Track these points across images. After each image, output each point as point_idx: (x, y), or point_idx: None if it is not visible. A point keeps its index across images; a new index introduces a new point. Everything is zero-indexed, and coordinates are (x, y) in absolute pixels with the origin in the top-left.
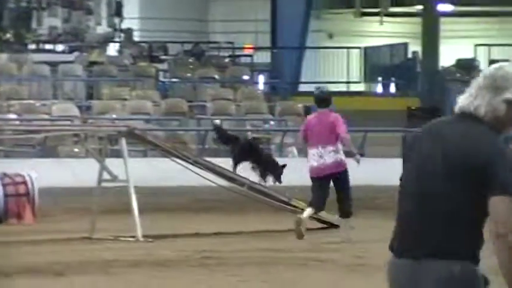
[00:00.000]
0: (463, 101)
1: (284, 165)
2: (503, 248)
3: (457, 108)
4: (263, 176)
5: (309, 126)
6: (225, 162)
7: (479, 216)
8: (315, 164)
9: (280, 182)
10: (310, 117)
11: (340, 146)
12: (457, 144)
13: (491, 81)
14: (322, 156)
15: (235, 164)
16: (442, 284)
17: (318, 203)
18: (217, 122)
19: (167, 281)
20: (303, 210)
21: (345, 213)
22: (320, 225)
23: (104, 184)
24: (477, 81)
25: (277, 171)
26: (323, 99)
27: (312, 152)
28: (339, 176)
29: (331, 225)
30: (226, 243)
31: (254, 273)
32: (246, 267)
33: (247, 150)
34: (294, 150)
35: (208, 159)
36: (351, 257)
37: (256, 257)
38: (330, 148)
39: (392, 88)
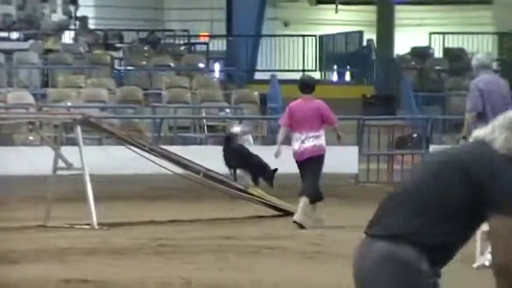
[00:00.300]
0: (478, 133)
1: (275, 169)
2: (504, 284)
3: (471, 139)
4: (255, 180)
5: (293, 112)
6: (180, 150)
7: (461, 224)
8: (296, 148)
9: (271, 186)
10: (293, 103)
11: (323, 132)
12: (464, 154)
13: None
14: (303, 141)
15: (233, 169)
16: (376, 262)
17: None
18: (237, 130)
19: (122, 268)
20: (259, 198)
21: (316, 196)
22: (275, 212)
23: (59, 172)
24: (497, 120)
25: (268, 174)
26: (308, 85)
27: (295, 136)
28: (317, 158)
29: (287, 213)
30: (182, 231)
31: (210, 261)
32: (202, 255)
33: (237, 155)
34: (250, 138)
35: (163, 147)
36: (307, 244)
37: (211, 245)
38: (313, 133)
39: (348, 76)
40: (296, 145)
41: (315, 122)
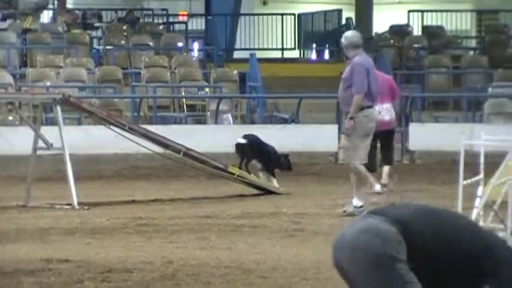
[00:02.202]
0: None
1: (287, 155)
2: None
3: None
4: (270, 171)
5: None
6: (160, 129)
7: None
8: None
9: (291, 169)
10: None
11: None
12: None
13: None
14: (380, 112)
15: (247, 161)
16: (361, 229)
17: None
18: (243, 141)
19: (103, 248)
20: (239, 177)
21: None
22: (256, 191)
23: (39, 152)
24: None
25: (281, 162)
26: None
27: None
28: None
29: (267, 192)
30: (162, 210)
31: (190, 240)
32: (183, 234)
33: (255, 146)
34: (230, 117)
35: (143, 126)
36: (288, 222)
37: (192, 224)
38: (386, 105)
39: (326, 54)
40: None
41: (388, 95)
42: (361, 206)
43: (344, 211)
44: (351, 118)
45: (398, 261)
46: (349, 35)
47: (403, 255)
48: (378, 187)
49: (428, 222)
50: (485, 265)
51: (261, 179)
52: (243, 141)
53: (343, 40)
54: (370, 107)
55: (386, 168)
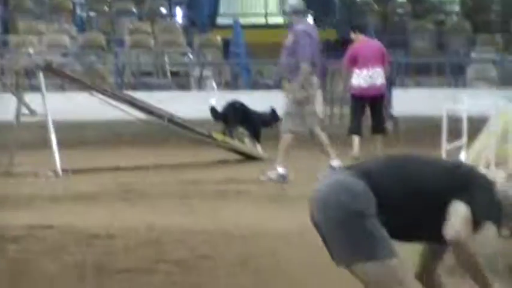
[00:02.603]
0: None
1: (273, 110)
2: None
3: None
4: (256, 136)
5: (357, 52)
6: (143, 96)
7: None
8: (363, 83)
9: (277, 120)
10: (355, 45)
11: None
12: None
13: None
14: (371, 76)
15: (231, 128)
16: (330, 184)
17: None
18: (213, 102)
19: (87, 214)
20: (223, 142)
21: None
22: (239, 157)
23: (22, 119)
24: None
25: (268, 121)
26: (362, 26)
27: (361, 73)
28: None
29: (251, 157)
30: (146, 176)
31: (175, 205)
32: (166, 200)
33: (238, 113)
34: (213, 83)
35: (126, 92)
36: (271, 187)
37: (176, 190)
38: (379, 70)
39: (310, 20)
40: (362, 81)
41: (379, 60)
42: (283, 175)
43: (270, 178)
44: (302, 87)
45: (368, 216)
46: (293, 2)
47: (372, 209)
48: (283, 171)
49: (397, 173)
50: (457, 195)
51: (246, 144)
52: (214, 103)
53: (287, 8)
54: (312, 74)
55: (379, 137)
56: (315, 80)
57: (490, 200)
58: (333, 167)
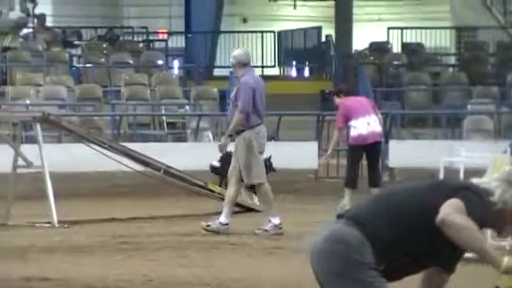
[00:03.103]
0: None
1: (269, 157)
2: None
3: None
4: (251, 188)
5: (349, 106)
6: (140, 147)
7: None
8: (362, 131)
9: (274, 170)
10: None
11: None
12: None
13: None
14: (369, 123)
15: (225, 180)
16: (325, 237)
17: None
18: (214, 163)
19: (83, 266)
20: (219, 194)
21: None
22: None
23: (19, 170)
24: (495, 173)
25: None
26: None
27: (358, 122)
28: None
29: (247, 209)
30: (142, 228)
31: (170, 258)
32: (163, 252)
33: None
34: (210, 134)
35: (123, 144)
36: (267, 240)
37: (172, 242)
38: (375, 118)
39: (306, 71)
40: (361, 129)
41: (371, 110)
42: (226, 224)
43: (208, 225)
44: (229, 135)
45: (363, 266)
46: (237, 53)
47: (369, 258)
48: (278, 220)
49: (384, 212)
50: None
51: (241, 196)
52: (217, 164)
53: (231, 59)
54: (260, 124)
55: (374, 191)
56: (264, 129)
57: (479, 201)
58: (222, 223)
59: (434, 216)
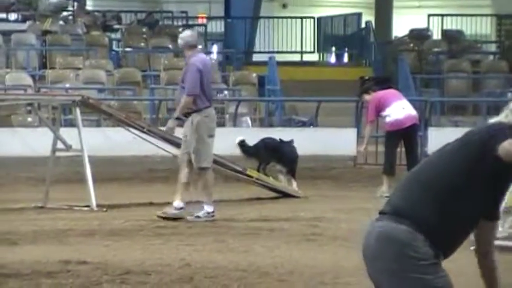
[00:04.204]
0: (492, 120)
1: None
2: None
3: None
4: (291, 173)
5: (380, 98)
6: (178, 132)
7: (463, 206)
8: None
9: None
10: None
11: None
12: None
13: None
14: (404, 108)
15: (264, 164)
16: (374, 239)
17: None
18: (241, 138)
19: (121, 250)
20: (257, 180)
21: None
22: (274, 194)
23: (58, 153)
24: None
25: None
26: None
27: (394, 107)
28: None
29: (285, 195)
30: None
31: (208, 243)
32: (200, 237)
33: (270, 148)
34: (248, 120)
35: (161, 128)
36: (304, 226)
37: (209, 226)
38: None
39: (346, 58)
40: (397, 114)
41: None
42: (181, 208)
43: (164, 212)
44: (177, 118)
45: (422, 260)
46: (184, 35)
47: (420, 249)
48: (211, 208)
49: (422, 196)
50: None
51: (281, 182)
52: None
53: (179, 41)
54: (208, 107)
55: None
56: (213, 112)
57: None
58: (176, 207)
59: (476, 167)
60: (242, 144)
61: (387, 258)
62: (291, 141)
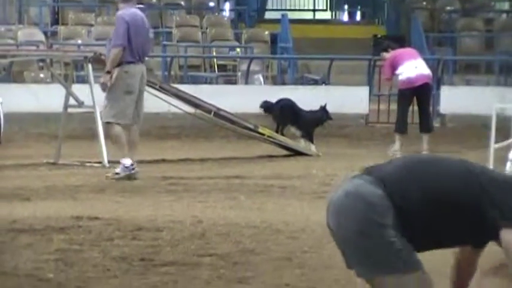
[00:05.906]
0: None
1: (324, 106)
2: None
3: None
4: (309, 136)
5: (395, 56)
6: (190, 89)
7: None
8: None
9: (331, 118)
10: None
11: None
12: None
13: None
14: (417, 66)
15: (281, 127)
16: (346, 193)
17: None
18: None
19: (133, 206)
20: (269, 137)
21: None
22: (286, 152)
23: (70, 110)
24: None
25: (320, 118)
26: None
27: (407, 65)
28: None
29: (297, 153)
30: (192, 169)
31: (220, 200)
32: (212, 194)
33: (287, 110)
34: (260, 77)
35: (174, 85)
36: (317, 184)
37: (221, 184)
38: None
39: (358, 16)
40: (409, 72)
41: (418, 56)
42: (131, 165)
43: (116, 173)
44: (108, 72)
45: (386, 226)
46: None
47: (389, 219)
48: (128, 161)
49: (415, 179)
50: (483, 204)
51: (300, 144)
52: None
53: None
54: (131, 62)
55: (426, 137)
56: (133, 68)
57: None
58: (126, 166)
59: (465, 209)
60: (265, 103)
61: (351, 216)
62: (324, 106)
